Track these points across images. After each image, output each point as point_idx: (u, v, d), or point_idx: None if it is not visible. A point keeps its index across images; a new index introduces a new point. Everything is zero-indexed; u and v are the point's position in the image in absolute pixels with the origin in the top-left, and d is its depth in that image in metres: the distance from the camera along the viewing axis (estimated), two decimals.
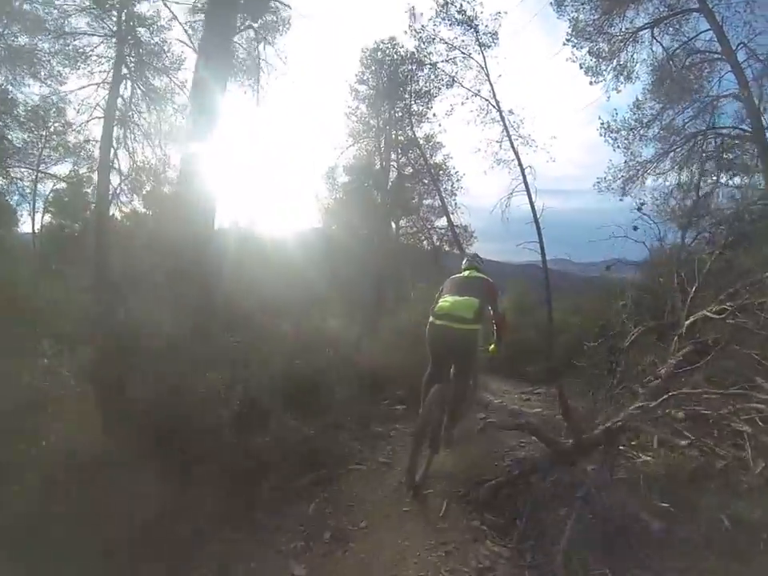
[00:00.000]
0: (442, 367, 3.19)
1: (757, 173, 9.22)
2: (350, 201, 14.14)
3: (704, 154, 10.07)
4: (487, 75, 11.37)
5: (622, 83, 10.65)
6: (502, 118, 11.35)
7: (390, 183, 14.45)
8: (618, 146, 10.77)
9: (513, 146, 11.16)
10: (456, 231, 13.48)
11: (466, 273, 3.56)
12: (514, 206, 11.03)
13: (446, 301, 3.15)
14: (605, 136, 10.74)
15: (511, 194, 11.00)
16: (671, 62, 10.14)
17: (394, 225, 14.98)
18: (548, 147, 11.27)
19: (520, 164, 10.89)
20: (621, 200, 10.77)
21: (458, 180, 13.91)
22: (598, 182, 10.99)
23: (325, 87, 28.65)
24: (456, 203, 13.76)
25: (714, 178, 9.88)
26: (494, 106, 11.42)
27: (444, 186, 13.95)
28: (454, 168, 14.03)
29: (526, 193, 10.56)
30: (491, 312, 3.40)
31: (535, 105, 41.28)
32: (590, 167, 44.10)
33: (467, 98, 11.83)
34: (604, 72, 10.66)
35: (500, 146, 11.47)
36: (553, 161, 11.51)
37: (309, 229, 15.17)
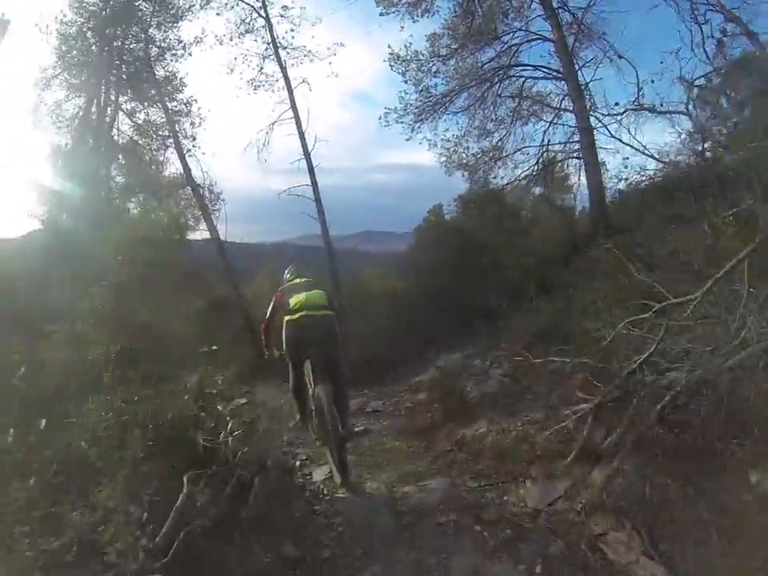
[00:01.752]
0: (303, 368, 3.32)
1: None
2: (70, 168, 10.74)
3: (502, 95, 9.86)
4: None
5: (417, 16, 9.81)
6: (268, 19, 9.73)
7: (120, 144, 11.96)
8: (409, 80, 9.91)
9: (276, 50, 9.75)
10: (201, 194, 10.93)
11: (297, 280, 3.68)
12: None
13: (299, 297, 3.32)
14: (393, 67, 9.88)
15: (273, 123, 9.61)
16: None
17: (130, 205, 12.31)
18: (330, 57, 9.88)
19: (286, 76, 9.47)
20: (407, 139, 10.10)
21: (201, 123, 11.36)
22: (387, 114, 10.06)
23: None
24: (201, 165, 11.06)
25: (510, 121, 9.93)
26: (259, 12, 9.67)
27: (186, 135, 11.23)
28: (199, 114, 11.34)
29: (293, 118, 9.35)
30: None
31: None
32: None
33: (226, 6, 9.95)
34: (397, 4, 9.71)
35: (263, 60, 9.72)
36: (335, 75, 10.12)
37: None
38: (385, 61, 9.89)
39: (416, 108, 9.98)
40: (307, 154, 9.82)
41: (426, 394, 5.82)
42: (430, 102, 9.96)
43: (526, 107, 10.06)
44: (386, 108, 10.07)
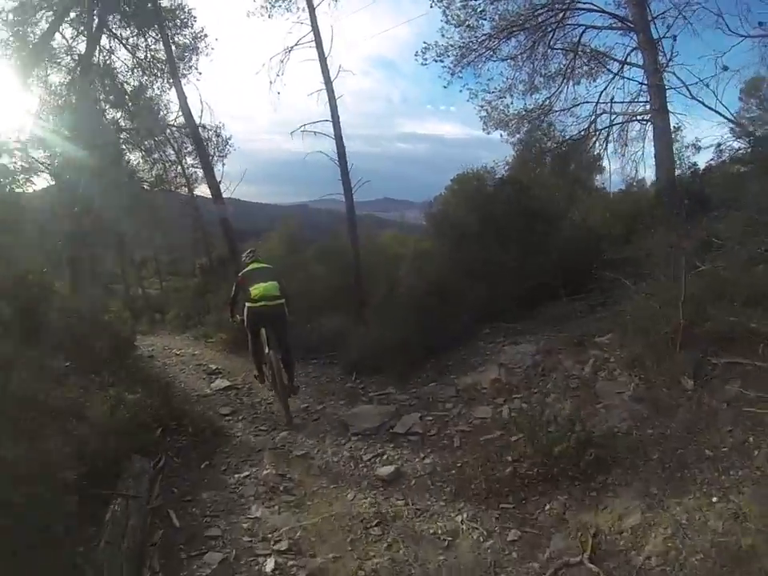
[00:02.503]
0: (259, 336, 4.15)
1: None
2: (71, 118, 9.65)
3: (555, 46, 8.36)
4: None
5: None
6: None
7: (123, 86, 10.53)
8: (451, 19, 8.21)
9: None
10: (200, 137, 9.93)
11: (256, 265, 4.38)
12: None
13: (258, 288, 4.03)
14: (434, 3, 8.21)
15: (291, 48, 7.56)
16: None
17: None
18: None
19: None
20: (446, 87, 8.73)
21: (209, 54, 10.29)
22: (425, 50, 8.47)
23: None
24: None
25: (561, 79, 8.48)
26: None
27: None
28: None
29: (313, 42, 7.26)
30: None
31: None
32: None
33: None
34: None
35: None
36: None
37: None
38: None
39: (458, 48, 8.41)
40: (328, 83, 7.45)
41: (494, 410, 3.75)
42: (474, 42, 8.39)
43: (581, 64, 8.55)
44: (424, 43, 8.44)
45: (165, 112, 11.22)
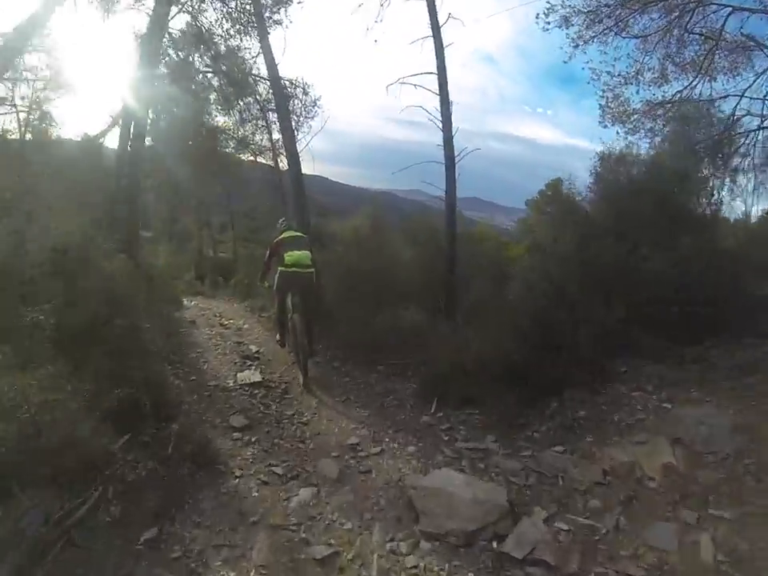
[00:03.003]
0: (287, 302, 4.17)
1: None
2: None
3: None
4: None
5: None
6: None
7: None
8: None
9: None
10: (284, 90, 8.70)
11: (291, 233, 4.37)
12: None
13: (292, 255, 4.07)
14: None
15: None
16: None
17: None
18: None
19: None
20: (566, 61, 7.13)
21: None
22: (549, 11, 6.76)
23: None
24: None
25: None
26: None
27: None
28: None
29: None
30: None
31: None
32: None
33: None
34: None
35: None
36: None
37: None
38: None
39: (585, 14, 6.88)
40: (436, 29, 5.80)
41: (680, 536, 1.86)
42: (602, 11, 6.86)
43: (723, 54, 6.92)
44: (547, 2, 6.76)
45: (253, 68, 10.16)
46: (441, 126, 5.88)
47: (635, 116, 7.56)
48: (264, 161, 12.18)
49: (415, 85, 6.04)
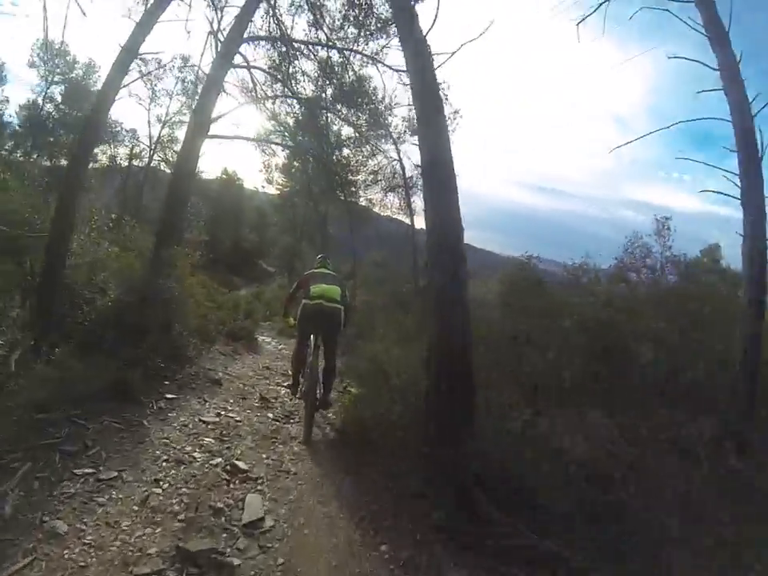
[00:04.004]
0: (308, 341, 3.88)
1: None
2: None
3: None
4: None
5: None
6: None
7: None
8: None
9: None
10: None
11: (323, 269, 4.25)
12: None
13: (318, 287, 3.83)
14: None
15: None
16: None
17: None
18: None
19: None
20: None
21: None
22: None
23: None
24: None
25: None
26: None
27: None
28: None
29: None
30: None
31: None
32: None
33: None
34: None
35: None
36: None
37: None
38: None
39: None
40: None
41: None
42: None
43: None
44: None
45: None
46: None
47: None
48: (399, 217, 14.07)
49: None
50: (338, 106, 10.12)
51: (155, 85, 17.62)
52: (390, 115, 11.91)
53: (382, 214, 15.54)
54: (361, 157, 13.23)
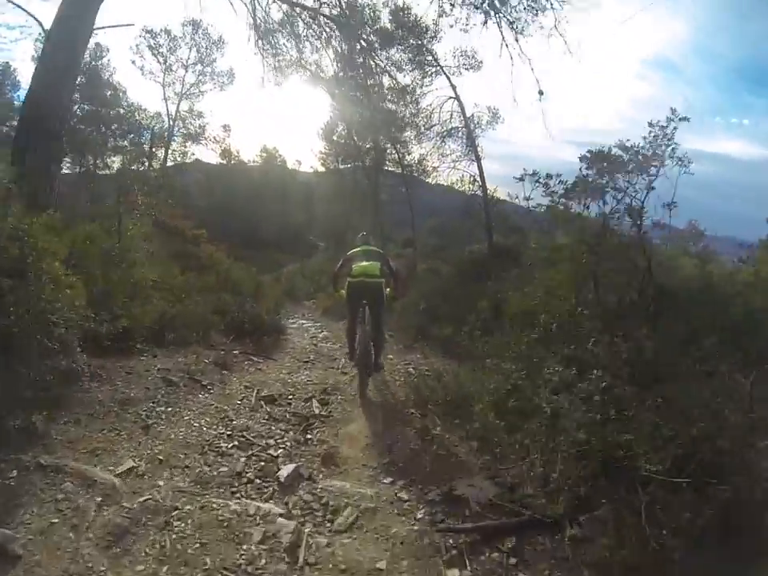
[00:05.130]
0: (358, 315, 4.39)
1: None
2: None
3: None
4: None
5: None
6: None
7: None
8: None
9: None
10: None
11: (365, 247, 4.69)
12: None
13: (359, 265, 4.35)
14: None
15: None
16: None
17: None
18: None
19: None
20: None
21: None
22: None
23: None
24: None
25: None
26: None
27: None
28: None
29: None
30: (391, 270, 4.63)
31: None
32: None
33: None
34: None
35: None
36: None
37: None
38: None
39: None
40: None
41: None
42: None
43: None
44: None
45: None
46: None
47: None
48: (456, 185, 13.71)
49: None
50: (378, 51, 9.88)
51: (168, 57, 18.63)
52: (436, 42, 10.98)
53: (439, 175, 14.11)
54: (410, 98, 11.73)
